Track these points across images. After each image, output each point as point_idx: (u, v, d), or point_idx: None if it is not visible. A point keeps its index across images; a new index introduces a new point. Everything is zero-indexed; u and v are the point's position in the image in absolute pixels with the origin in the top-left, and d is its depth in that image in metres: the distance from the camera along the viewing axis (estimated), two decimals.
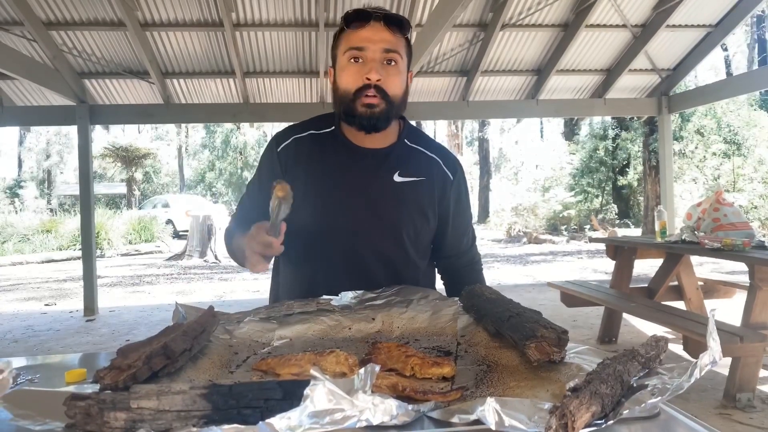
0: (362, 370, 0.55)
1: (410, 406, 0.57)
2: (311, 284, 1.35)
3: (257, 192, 1.43)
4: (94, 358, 1.15)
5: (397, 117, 1.36)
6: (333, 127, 1.40)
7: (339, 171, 1.35)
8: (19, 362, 1.10)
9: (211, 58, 6.03)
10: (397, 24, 1.27)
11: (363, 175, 1.35)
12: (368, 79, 1.24)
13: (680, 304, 4.11)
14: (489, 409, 0.55)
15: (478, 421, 0.56)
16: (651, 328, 4.46)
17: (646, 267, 7.27)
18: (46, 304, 7.15)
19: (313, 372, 0.53)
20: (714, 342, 0.60)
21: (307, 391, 0.53)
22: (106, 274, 10.24)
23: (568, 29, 6.04)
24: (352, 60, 1.27)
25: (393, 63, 1.28)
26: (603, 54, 6.49)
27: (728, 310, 4.42)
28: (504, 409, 0.56)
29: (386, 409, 0.55)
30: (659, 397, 0.57)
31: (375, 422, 0.55)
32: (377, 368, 0.55)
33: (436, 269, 1.56)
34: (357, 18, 1.26)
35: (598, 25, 6.01)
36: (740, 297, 3.66)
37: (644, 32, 6.11)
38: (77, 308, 6.55)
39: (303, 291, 1.34)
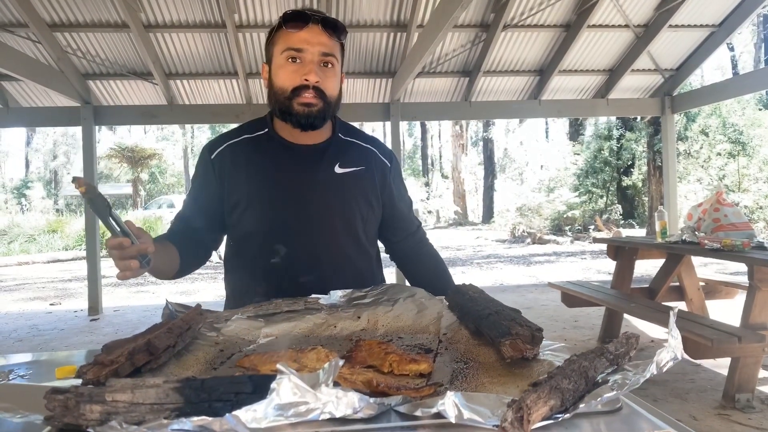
0: (327, 365, 0.56)
1: (372, 399, 0.58)
2: (267, 286, 1.34)
3: (191, 201, 1.42)
4: (90, 356, 1.16)
5: (332, 116, 1.39)
6: (266, 129, 1.41)
7: (280, 170, 1.37)
8: (20, 358, 1.12)
9: (214, 59, 6.07)
10: (335, 28, 1.31)
11: (304, 171, 1.37)
12: (307, 80, 1.27)
13: (682, 305, 4.10)
14: (449, 403, 0.56)
15: (441, 414, 0.58)
16: (652, 329, 4.45)
17: (649, 267, 7.25)
18: (51, 304, 7.21)
19: (279, 366, 0.54)
20: (673, 339, 0.62)
21: (273, 384, 0.54)
22: (111, 274, 10.29)
23: (570, 29, 6.03)
24: (290, 60, 1.29)
25: (330, 66, 1.31)
26: (605, 54, 6.48)
27: (730, 310, 4.41)
28: (469, 403, 0.58)
29: (349, 402, 0.56)
30: (616, 392, 0.59)
31: (338, 414, 0.56)
32: (341, 363, 0.57)
33: (392, 256, 1.60)
34: (296, 19, 1.29)
35: (600, 26, 6.01)
36: (742, 298, 3.65)
37: (647, 32, 6.10)
38: (82, 308, 6.60)
39: (259, 295, 1.31)
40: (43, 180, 29.75)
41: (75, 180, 0.94)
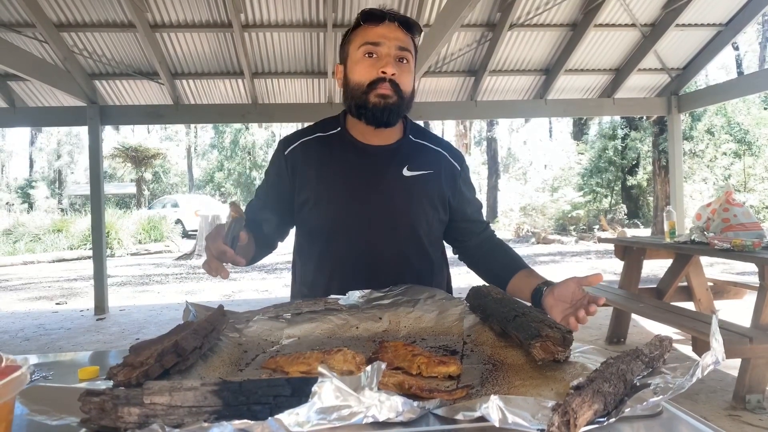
0: (369, 368, 0.56)
1: (415, 403, 0.58)
2: (329, 281, 1.38)
3: (264, 194, 1.47)
4: (104, 356, 1.18)
5: (404, 114, 1.40)
6: (339, 128, 1.43)
7: (349, 169, 1.38)
8: (32, 359, 1.13)
9: (219, 58, 6.07)
10: (410, 26, 1.34)
11: (373, 172, 1.38)
12: (384, 73, 1.28)
13: (690, 305, 4.08)
14: (492, 407, 0.56)
15: (482, 418, 0.57)
16: (660, 329, 4.44)
17: (655, 267, 7.24)
18: (57, 303, 7.22)
19: (321, 369, 0.54)
20: (716, 342, 0.61)
21: (315, 387, 0.54)
22: (116, 273, 10.32)
23: (576, 29, 6.02)
24: (367, 55, 1.31)
25: (405, 61, 1.33)
26: (612, 53, 6.46)
27: (738, 311, 4.39)
28: (508, 407, 0.57)
29: (392, 405, 0.56)
30: (661, 396, 0.58)
31: (381, 418, 0.56)
32: (383, 365, 0.56)
33: (460, 257, 1.57)
34: (373, 16, 1.32)
35: (606, 25, 5.99)
36: (750, 298, 3.64)
37: (654, 31, 6.08)
38: (88, 307, 6.61)
39: (322, 289, 1.37)
40: (47, 179, 29.79)
41: (232, 205, 1.12)
